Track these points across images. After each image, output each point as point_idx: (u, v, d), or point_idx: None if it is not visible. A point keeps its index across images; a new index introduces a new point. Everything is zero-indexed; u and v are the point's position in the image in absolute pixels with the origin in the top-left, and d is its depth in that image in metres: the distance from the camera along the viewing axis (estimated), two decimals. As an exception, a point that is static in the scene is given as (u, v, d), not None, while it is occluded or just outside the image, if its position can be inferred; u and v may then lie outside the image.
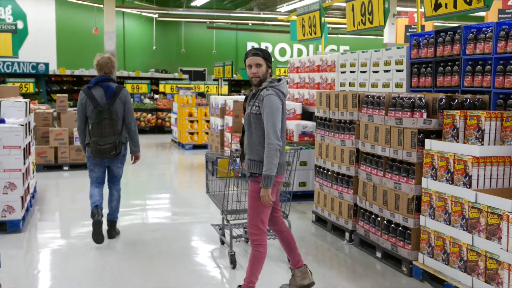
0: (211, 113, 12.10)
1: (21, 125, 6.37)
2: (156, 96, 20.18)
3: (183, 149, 14.32)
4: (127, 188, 9.13)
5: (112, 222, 6.21)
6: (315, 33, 9.96)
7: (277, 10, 22.36)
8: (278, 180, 4.28)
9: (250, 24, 26.57)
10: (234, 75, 21.23)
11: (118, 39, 20.56)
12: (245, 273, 4.33)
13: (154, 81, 20.71)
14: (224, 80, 19.73)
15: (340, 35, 26.53)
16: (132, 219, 7.17)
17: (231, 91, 17.32)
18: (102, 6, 17.26)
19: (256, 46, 28.14)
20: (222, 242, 5.85)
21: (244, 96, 4.48)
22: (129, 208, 7.66)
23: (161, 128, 18.58)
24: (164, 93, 19.53)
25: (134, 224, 6.98)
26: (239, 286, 4.36)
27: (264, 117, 4.07)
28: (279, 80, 4.31)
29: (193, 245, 6.02)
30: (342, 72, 8.23)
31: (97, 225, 5.78)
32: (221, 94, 17.31)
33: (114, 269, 5.27)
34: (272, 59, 4.31)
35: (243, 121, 4.49)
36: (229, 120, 10.45)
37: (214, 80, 20.73)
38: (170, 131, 17.59)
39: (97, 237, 5.79)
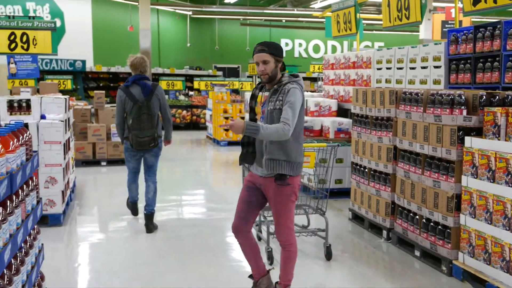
0: (246, 109, 12.13)
1: (61, 121, 6.50)
2: (190, 93, 20.31)
3: (218, 146, 14.39)
4: (163, 184, 9.22)
5: (149, 215, 6.39)
6: (350, 30, 9.89)
7: (311, 6, 22.25)
8: (297, 181, 4.07)
9: (284, 20, 26.48)
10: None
11: (153, 36, 20.75)
12: (280, 273, 4.28)
13: (189, 78, 20.85)
14: (258, 77, 19.74)
15: (374, 32, 26.25)
16: (168, 215, 7.24)
17: (265, 88, 17.34)
18: (137, 4, 17.44)
19: (290, 43, 28.14)
20: (259, 238, 5.87)
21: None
22: (165, 204, 7.74)
23: (196, 125, 18.70)
24: (198, 90, 19.64)
25: (171, 219, 7.05)
26: (276, 282, 4.36)
27: (285, 107, 3.82)
28: (296, 76, 4.11)
29: (229, 241, 6.05)
30: (378, 69, 8.16)
31: (134, 206, 6.87)
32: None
33: (152, 263, 5.34)
34: (283, 52, 4.01)
35: (246, 117, 4.22)
36: (264, 116, 10.45)
37: (248, 77, 20.75)
38: (205, 128, 17.70)
39: (134, 212, 6.90)
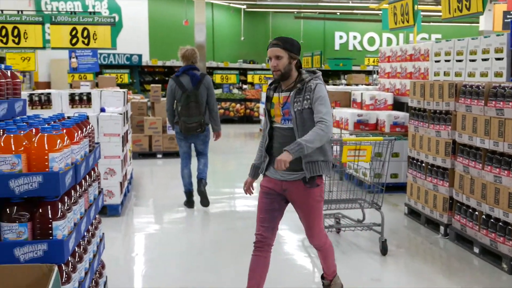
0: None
1: (120, 114, 6.65)
2: (244, 86, 20.40)
3: (271, 139, 14.40)
4: (216, 177, 9.33)
5: (200, 179, 6.98)
6: (407, 21, 9.69)
7: (366, -2, 21.92)
8: (323, 180, 3.86)
9: (338, 13, 26.20)
10: (322, 65, 21.09)
11: (207, 30, 20.94)
12: (323, 268, 4.23)
13: (242, 72, 20.95)
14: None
15: (431, 23, 25.64)
16: (222, 207, 7.32)
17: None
18: (192, -2, 17.65)
19: (344, 36, 27.84)
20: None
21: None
22: (219, 196, 7.82)
23: (249, 118, 18.78)
24: (252, 84, 19.71)
25: (225, 212, 7.12)
26: (322, 276, 4.31)
27: (316, 105, 3.61)
28: (314, 72, 3.85)
29: (283, 234, 6.06)
30: (436, 61, 7.97)
31: (189, 197, 7.10)
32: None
33: (207, 255, 5.41)
34: (299, 50, 3.77)
35: (262, 121, 4.09)
36: (318, 110, 10.39)
37: (301, 70, 20.65)
38: (258, 121, 17.75)
39: (189, 204, 7.07)
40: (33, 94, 6.48)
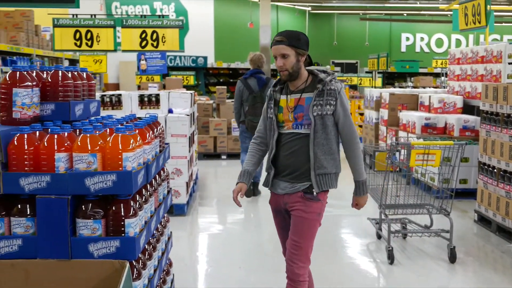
0: (366, 105, 11.94)
1: (187, 115, 6.77)
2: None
3: (335, 142, 14.28)
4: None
5: (255, 183, 7.75)
6: (479, 22, 9.38)
7: (435, -1, 21.39)
8: (326, 197, 3.46)
9: (405, 14, 25.69)
10: (388, 68, 20.75)
11: (272, 32, 20.99)
12: None
13: (306, 74, 20.86)
14: (378, 73, 19.36)
15: (504, 24, 24.74)
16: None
17: (385, 84, 16.92)
18: (257, 0, 17.73)
19: (411, 37, 27.26)
20: (379, 237, 5.76)
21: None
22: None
23: (312, 120, 18.68)
24: (316, 86, 19.62)
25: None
26: None
27: (342, 116, 3.27)
28: (327, 72, 3.40)
29: (348, 238, 6.01)
30: (510, 63, 7.68)
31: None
32: (374, 87, 17.00)
33: (271, 256, 5.42)
34: (308, 44, 3.32)
35: (261, 123, 3.54)
36: (384, 113, 10.24)
37: (366, 72, 20.39)
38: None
39: (247, 193, 7.59)
40: (105, 95, 6.69)
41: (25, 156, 2.49)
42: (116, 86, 19.24)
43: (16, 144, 2.48)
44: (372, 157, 5.49)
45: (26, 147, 2.48)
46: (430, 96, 9.21)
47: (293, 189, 3.32)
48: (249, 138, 7.23)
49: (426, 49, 27.54)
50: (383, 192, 5.15)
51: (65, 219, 2.46)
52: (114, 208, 2.53)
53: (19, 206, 2.52)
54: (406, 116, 9.05)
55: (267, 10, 16.99)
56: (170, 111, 6.79)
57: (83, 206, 2.50)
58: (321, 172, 3.27)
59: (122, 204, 2.53)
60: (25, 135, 2.50)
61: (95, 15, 8.58)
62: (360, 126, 13.95)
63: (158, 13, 20.15)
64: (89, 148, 2.48)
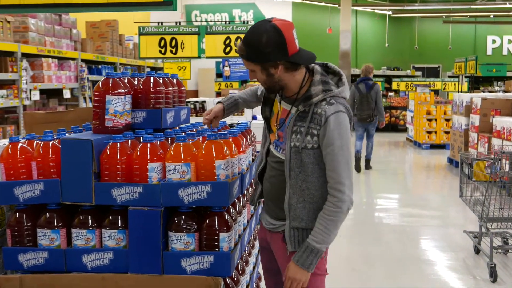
0: (454, 111, 11.38)
1: (271, 122, 6.62)
2: (389, 93, 19.81)
3: (419, 149, 13.76)
4: (359, 187, 9.04)
5: (367, 160, 10.51)
6: None
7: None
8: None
9: (492, 16, 24.57)
10: (476, 71, 19.86)
11: (352, 37, 20.64)
12: None
13: (386, 79, 20.36)
14: (465, 77, 18.58)
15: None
16: (368, 218, 7.02)
17: (472, 89, 16.19)
18: (337, 6, 17.45)
19: (498, 40, 26.03)
20: (477, 251, 5.37)
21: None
22: (362, 207, 7.55)
23: (394, 126, 18.18)
24: (396, 91, 19.07)
25: (371, 222, 6.82)
26: None
27: (329, 157, 2.34)
28: (336, 74, 2.51)
29: (442, 251, 5.64)
30: None
31: (357, 161, 10.19)
32: (460, 91, 16.28)
33: (359, 271, 5.16)
34: (277, 46, 2.32)
35: (262, 138, 2.74)
36: (475, 118, 9.70)
37: (449, 76, 19.60)
38: (404, 130, 17.11)
39: (356, 168, 10.16)
40: (189, 102, 6.65)
41: (118, 166, 2.39)
42: (196, 93, 19.47)
43: (109, 153, 2.39)
44: (470, 166, 5.11)
45: (118, 157, 2.39)
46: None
47: (273, 227, 2.57)
48: (360, 127, 10.10)
49: (514, 52, 26.22)
50: (484, 203, 4.77)
51: (158, 232, 2.34)
52: (208, 221, 2.38)
53: (110, 217, 2.43)
54: (500, 122, 8.51)
55: (348, 15, 16.68)
56: (254, 117, 6.65)
57: (175, 219, 2.38)
58: (296, 225, 2.43)
59: (216, 217, 2.39)
60: (118, 144, 2.41)
61: (179, 22, 8.62)
62: (446, 132, 13.37)
63: (237, 20, 20.27)
64: (183, 158, 2.35)
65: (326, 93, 2.39)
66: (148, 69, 13.27)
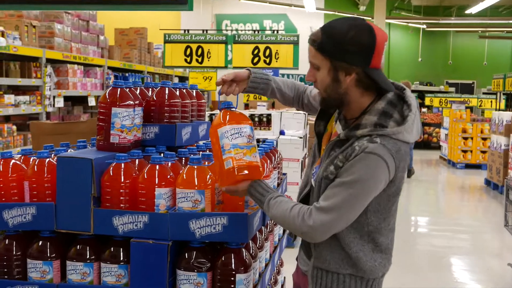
0: (493, 130, 10.84)
1: (300, 137, 6.25)
2: (422, 109, 19.27)
3: (453, 168, 13.19)
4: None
5: (408, 170, 9.27)
6: None
7: None
8: None
9: (529, 31, 23.86)
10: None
11: (385, 51, 20.19)
12: None
13: (420, 94, 19.83)
14: (503, 94, 17.96)
15: None
16: (397, 242, 6.59)
17: (510, 106, 15.58)
18: (370, 18, 17.04)
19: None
20: None
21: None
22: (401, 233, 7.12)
23: (427, 144, 17.59)
24: (429, 107, 18.52)
25: (401, 247, 6.38)
26: None
27: (336, 183, 1.88)
28: (408, 106, 1.96)
29: (485, 287, 5.19)
30: None
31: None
32: (498, 109, 15.68)
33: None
34: (366, 48, 1.88)
35: (309, 157, 2.28)
36: (516, 139, 9.19)
37: (484, 93, 19.00)
38: (437, 147, 16.53)
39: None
40: (214, 114, 6.32)
41: (121, 191, 2.06)
42: (222, 104, 19.19)
43: (111, 175, 2.06)
44: (517, 193, 4.67)
45: (122, 179, 2.06)
46: None
47: (305, 268, 2.14)
48: None
49: (553, 68, 25.41)
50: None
51: (164, 270, 2.00)
52: (223, 259, 2.03)
53: (111, 249, 2.09)
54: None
55: (382, 27, 16.27)
56: (282, 132, 6.30)
57: (186, 255, 2.03)
58: (319, 265, 2.01)
59: (233, 254, 2.03)
60: (122, 165, 2.08)
61: (207, 30, 8.34)
62: (482, 151, 12.81)
63: (268, 30, 20.01)
64: (196, 184, 2.00)
65: (376, 129, 1.87)
66: (176, 79, 13.04)
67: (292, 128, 6.37)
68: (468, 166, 12.99)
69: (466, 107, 16.06)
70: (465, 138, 13.01)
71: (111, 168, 2.07)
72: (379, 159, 1.82)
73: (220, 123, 1.99)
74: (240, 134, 1.96)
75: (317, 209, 1.87)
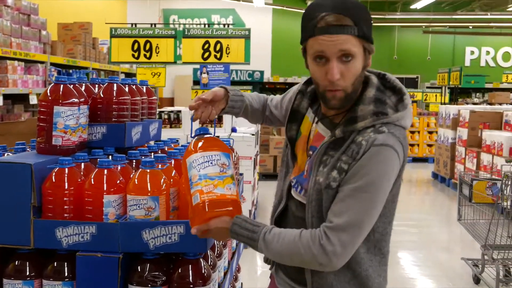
0: (440, 123, 11.02)
1: (252, 134, 6.12)
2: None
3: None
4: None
5: None
6: None
7: (508, 10, 20.23)
8: None
9: (471, 27, 24.51)
10: (460, 83, 19.67)
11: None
12: None
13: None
14: (448, 88, 18.35)
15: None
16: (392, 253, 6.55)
17: (454, 100, 15.91)
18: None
19: (476, 51, 25.97)
20: (477, 281, 4.91)
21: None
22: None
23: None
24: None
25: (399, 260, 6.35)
26: None
27: (344, 191, 1.64)
28: (395, 91, 1.78)
29: (438, 281, 5.18)
30: None
31: None
32: (443, 103, 15.98)
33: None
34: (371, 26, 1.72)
35: (281, 167, 2.04)
36: (463, 132, 9.34)
37: (427, 87, 19.40)
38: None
39: None
40: (163, 111, 6.11)
41: (65, 199, 1.85)
42: (171, 101, 18.89)
43: (54, 181, 1.86)
44: (471, 187, 4.66)
45: (66, 186, 1.85)
46: (506, 114, 8.31)
47: None
48: None
49: (492, 63, 26.16)
50: (490, 230, 4.32)
51: (114, 286, 1.81)
52: (180, 271, 1.85)
53: (54, 264, 1.88)
54: (490, 136, 8.14)
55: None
56: (234, 130, 6.15)
57: (138, 268, 1.84)
58: (319, 285, 1.74)
59: (190, 266, 1.86)
60: (66, 170, 1.87)
61: (155, 24, 8.07)
62: (429, 145, 13.03)
63: (216, 26, 19.81)
64: (149, 189, 1.82)
65: (378, 118, 1.66)
66: (123, 75, 12.68)
67: (244, 125, 6.23)
68: (415, 159, 13.19)
69: (413, 102, 16.34)
70: (412, 132, 13.20)
71: (54, 174, 1.86)
72: (391, 150, 1.62)
73: (189, 151, 1.75)
74: (211, 163, 1.71)
75: (331, 229, 1.60)
